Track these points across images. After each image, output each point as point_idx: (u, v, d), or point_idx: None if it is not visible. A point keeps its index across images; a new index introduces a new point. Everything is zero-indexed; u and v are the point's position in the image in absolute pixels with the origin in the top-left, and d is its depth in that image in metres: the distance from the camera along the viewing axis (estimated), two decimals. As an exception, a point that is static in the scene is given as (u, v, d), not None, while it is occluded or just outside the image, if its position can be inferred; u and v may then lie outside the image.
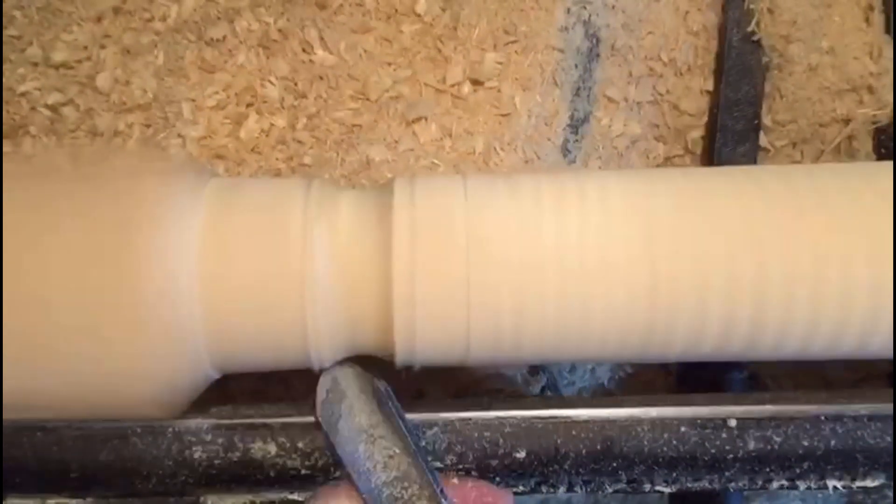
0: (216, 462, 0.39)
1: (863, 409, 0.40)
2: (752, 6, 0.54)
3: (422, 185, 0.39)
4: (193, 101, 0.52)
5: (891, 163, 0.40)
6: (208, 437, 0.39)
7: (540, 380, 0.55)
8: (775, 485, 0.40)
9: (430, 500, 0.34)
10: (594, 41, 0.55)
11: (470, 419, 0.40)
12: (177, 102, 0.52)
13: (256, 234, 0.37)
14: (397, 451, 0.35)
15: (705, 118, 0.56)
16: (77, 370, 0.36)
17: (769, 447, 0.39)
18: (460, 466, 0.39)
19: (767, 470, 0.40)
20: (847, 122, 0.55)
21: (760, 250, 0.38)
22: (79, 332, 0.35)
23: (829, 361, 0.53)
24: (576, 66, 0.55)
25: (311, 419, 0.39)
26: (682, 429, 0.40)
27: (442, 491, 0.35)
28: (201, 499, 0.39)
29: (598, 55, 0.55)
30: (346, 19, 0.54)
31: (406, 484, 0.34)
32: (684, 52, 0.56)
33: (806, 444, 0.40)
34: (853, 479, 0.40)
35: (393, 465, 0.35)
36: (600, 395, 0.56)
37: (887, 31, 0.55)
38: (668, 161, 0.56)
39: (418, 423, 0.39)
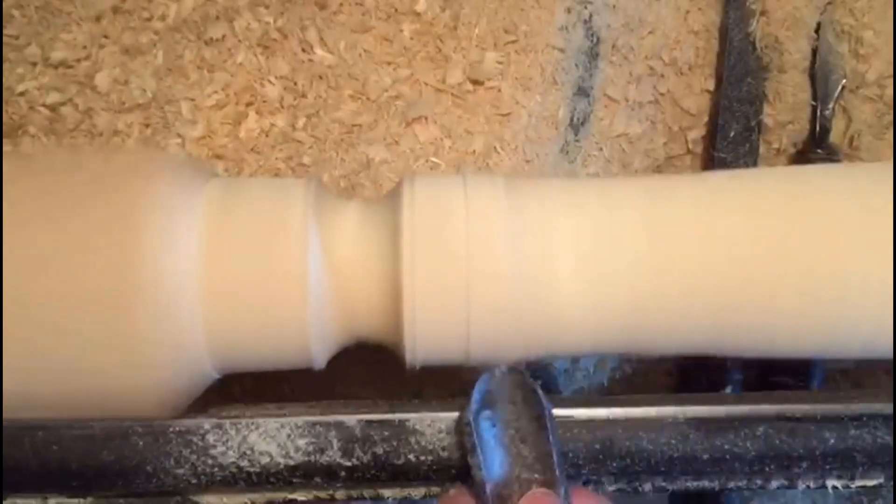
0: (216, 462, 0.39)
1: (863, 409, 0.40)
2: (752, 6, 0.54)
3: (421, 185, 0.39)
4: (192, 100, 0.52)
5: (891, 163, 0.40)
6: (208, 437, 0.39)
7: (540, 380, 0.55)
8: (774, 484, 0.40)
9: None
10: (595, 40, 0.55)
11: (470, 419, 0.40)
12: (176, 102, 0.52)
13: (257, 234, 0.37)
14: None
15: (706, 118, 0.56)
16: (77, 369, 0.36)
17: (769, 447, 0.39)
18: (460, 466, 0.39)
19: (767, 470, 0.40)
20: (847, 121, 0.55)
21: (760, 251, 0.38)
22: (78, 331, 0.35)
23: (830, 361, 0.53)
24: (576, 65, 0.55)
25: (311, 419, 0.39)
26: (682, 429, 0.39)
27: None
28: (202, 499, 0.39)
29: (598, 55, 0.55)
30: (346, 19, 0.54)
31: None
32: (685, 52, 0.56)
33: (805, 443, 0.40)
34: (852, 479, 0.40)
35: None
36: (600, 395, 0.56)
37: (887, 31, 0.55)
38: (668, 161, 0.56)
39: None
